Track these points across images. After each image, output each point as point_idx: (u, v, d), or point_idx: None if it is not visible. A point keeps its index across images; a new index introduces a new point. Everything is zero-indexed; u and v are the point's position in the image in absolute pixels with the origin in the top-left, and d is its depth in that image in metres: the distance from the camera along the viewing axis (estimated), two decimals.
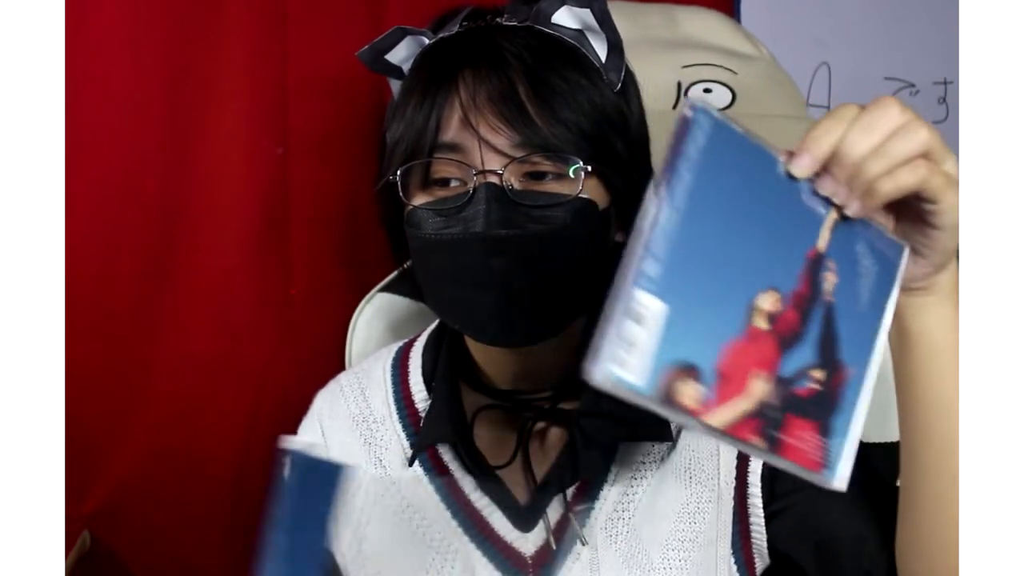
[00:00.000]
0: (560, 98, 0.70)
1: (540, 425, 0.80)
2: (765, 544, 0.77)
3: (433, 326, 0.88)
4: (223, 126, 1.10)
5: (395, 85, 0.79)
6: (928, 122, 0.52)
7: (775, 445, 0.49)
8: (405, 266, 1.06)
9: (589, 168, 0.71)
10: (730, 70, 1.05)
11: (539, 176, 0.71)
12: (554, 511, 0.77)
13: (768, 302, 0.49)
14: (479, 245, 0.70)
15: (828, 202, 0.52)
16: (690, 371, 0.46)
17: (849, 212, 0.52)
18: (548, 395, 0.80)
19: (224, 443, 1.15)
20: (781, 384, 0.50)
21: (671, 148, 0.46)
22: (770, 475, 0.76)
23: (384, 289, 1.08)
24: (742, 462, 0.77)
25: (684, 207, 0.45)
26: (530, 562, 0.78)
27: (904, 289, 0.55)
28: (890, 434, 0.93)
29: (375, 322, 1.07)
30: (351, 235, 1.17)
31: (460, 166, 0.71)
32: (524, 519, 0.78)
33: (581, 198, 0.71)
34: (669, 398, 0.45)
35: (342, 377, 0.90)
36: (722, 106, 1.03)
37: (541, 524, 0.78)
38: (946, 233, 0.54)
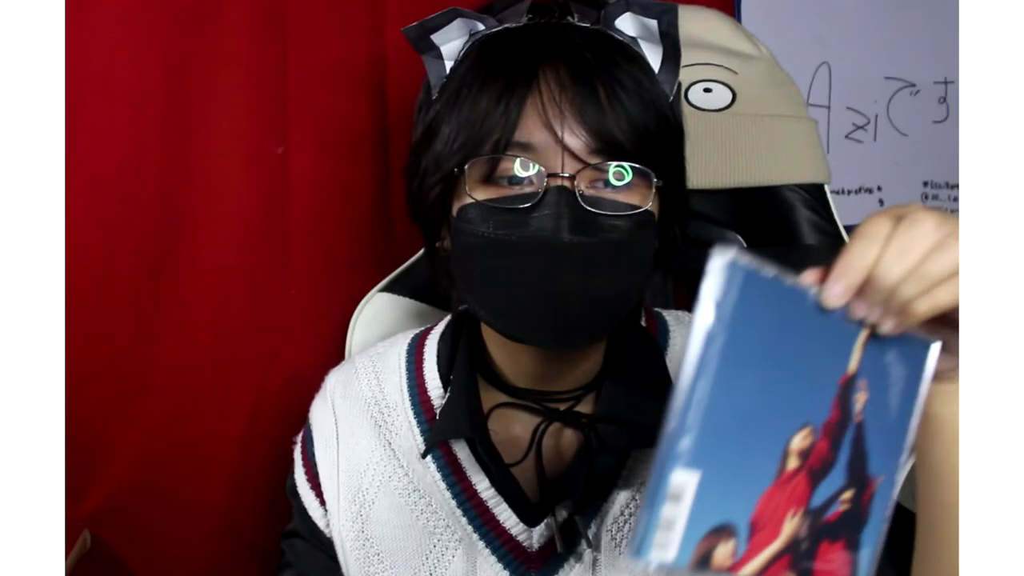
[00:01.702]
0: (635, 105, 0.70)
1: (555, 425, 0.80)
2: None
3: (449, 317, 0.88)
4: (223, 126, 1.10)
5: (431, 65, 0.76)
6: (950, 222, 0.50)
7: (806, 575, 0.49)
8: (409, 263, 1.07)
9: (661, 183, 0.71)
10: (730, 70, 1.04)
11: (609, 183, 0.71)
12: (562, 510, 0.78)
13: (801, 440, 0.48)
14: (549, 250, 0.69)
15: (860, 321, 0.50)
16: (724, 531, 0.45)
17: (883, 332, 0.50)
18: (569, 395, 0.80)
19: (224, 443, 1.15)
20: (812, 515, 0.49)
21: (702, 307, 0.44)
22: None
23: (384, 289, 1.08)
24: None
25: (717, 370, 0.44)
26: (533, 558, 0.78)
27: (951, 372, 0.55)
28: None
29: (375, 322, 1.07)
30: (351, 235, 1.17)
31: (532, 166, 0.70)
32: (531, 515, 0.79)
33: (647, 211, 0.71)
34: (705, 563, 0.45)
35: (357, 359, 0.90)
36: (722, 106, 1.03)
37: (548, 521, 0.78)
38: None
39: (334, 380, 0.89)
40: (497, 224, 0.70)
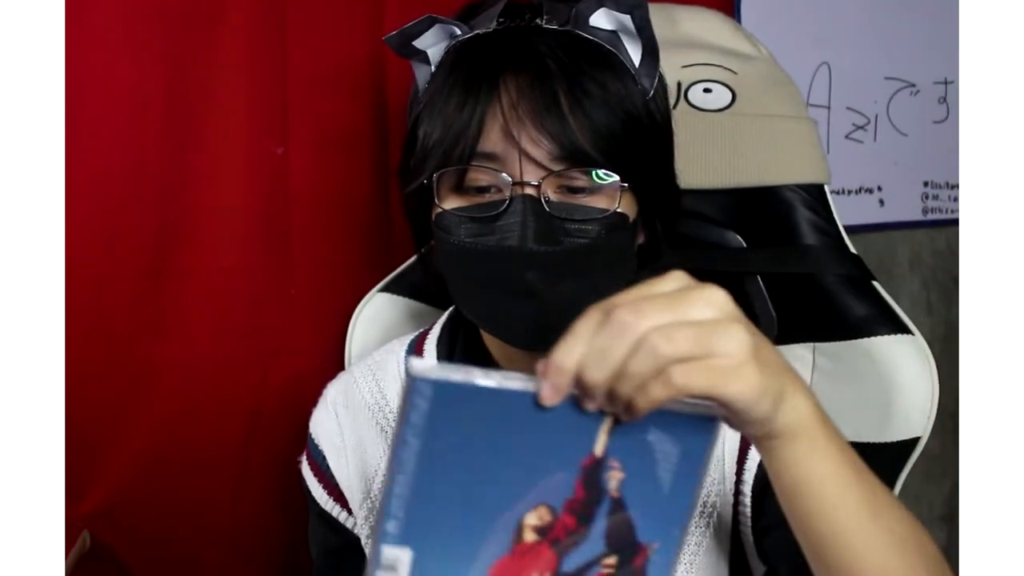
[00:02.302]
0: (600, 111, 0.70)
1: None
2: (755, 551, 0.77)
3: (445, 317, 0.88)
4: (223, 126, 1.10)
5: (418, 69, 0.77)
6: (683, 307, 0.47)
7: None
8: (408, 263, 1.07)
9: (626, 185, 0.71)
10: (730, 70, 1.04)
11: (576, 189, 0.71)
12: None
13: (535, 518, 0.50)
14: (514, 259, 0.70)
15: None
16: None
17: (623, 420, 0.49)
18: None
19: (224, 443, 1.15)
20: None
21: (399, 415, 0.47)
22: (760, 491, 0.75)
23: (384, 289, 1.08)
24: (739, 470, 0.77)
25: (415, 469, 0.48)
26: None
27: (752, 436, 0.53)
28: (890, 434, 0.93)
29: (374, 323, 1.07)
30: (351, 235, 1.17)
31: (497, 175, 0.70)
32: None
33: (617, 213, 0.72)
34: None
35: (354, 368, 0.90)
36: (722, 106, 1.03)
37: None
38: (755, 406, 0.49)
39: (334, 391, 0.90)
40: (467, 232, 0.72)
